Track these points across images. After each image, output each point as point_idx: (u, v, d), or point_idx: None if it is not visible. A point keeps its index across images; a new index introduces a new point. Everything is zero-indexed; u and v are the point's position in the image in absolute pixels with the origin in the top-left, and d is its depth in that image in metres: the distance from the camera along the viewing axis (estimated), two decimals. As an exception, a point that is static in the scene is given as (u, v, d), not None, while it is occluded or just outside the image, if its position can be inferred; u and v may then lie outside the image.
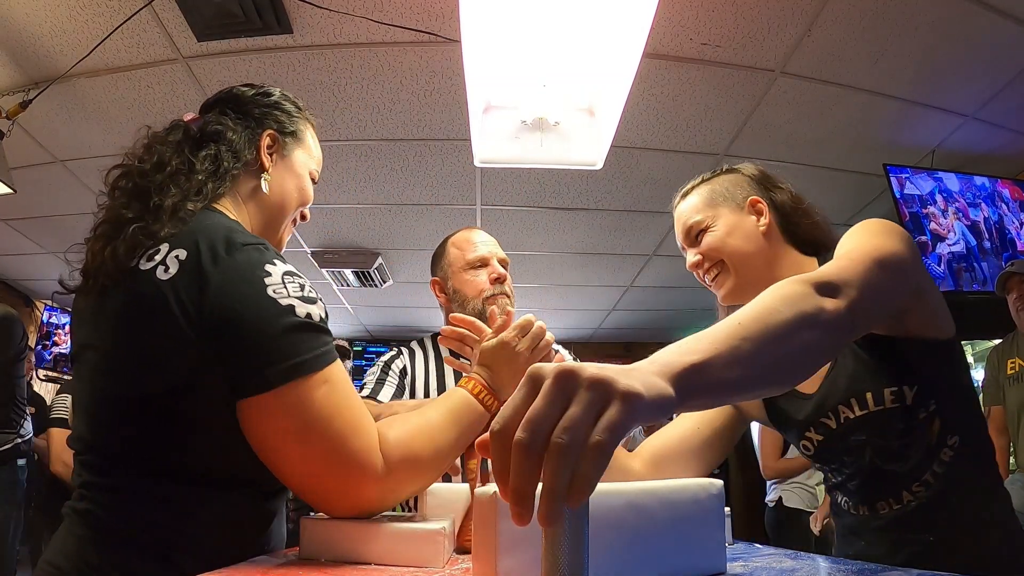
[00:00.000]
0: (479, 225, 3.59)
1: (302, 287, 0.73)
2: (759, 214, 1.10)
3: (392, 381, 1.52)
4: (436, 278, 1.58)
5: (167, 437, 0.72)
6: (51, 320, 4.96)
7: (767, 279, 0.95)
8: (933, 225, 2.91)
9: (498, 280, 1.49)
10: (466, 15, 1.26)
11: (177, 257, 0.71)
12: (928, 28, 2.11)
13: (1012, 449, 2.33)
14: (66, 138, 2.75)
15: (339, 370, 0.72)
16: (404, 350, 1.60)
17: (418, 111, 2.57)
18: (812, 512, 3.24)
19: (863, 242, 0.86)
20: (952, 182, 2.98)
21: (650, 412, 0.44)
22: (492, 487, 0.63)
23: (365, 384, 1.55)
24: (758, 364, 0.59)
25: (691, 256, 1.13)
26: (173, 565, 0.70)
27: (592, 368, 0.43)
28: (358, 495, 0.73)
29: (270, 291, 0.70)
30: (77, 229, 3.25)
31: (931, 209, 2.92)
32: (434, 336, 1.62)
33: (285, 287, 0.71)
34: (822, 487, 3.20)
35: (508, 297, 1.51)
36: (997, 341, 2.57)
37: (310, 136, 1.00)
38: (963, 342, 3.22)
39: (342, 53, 2.23)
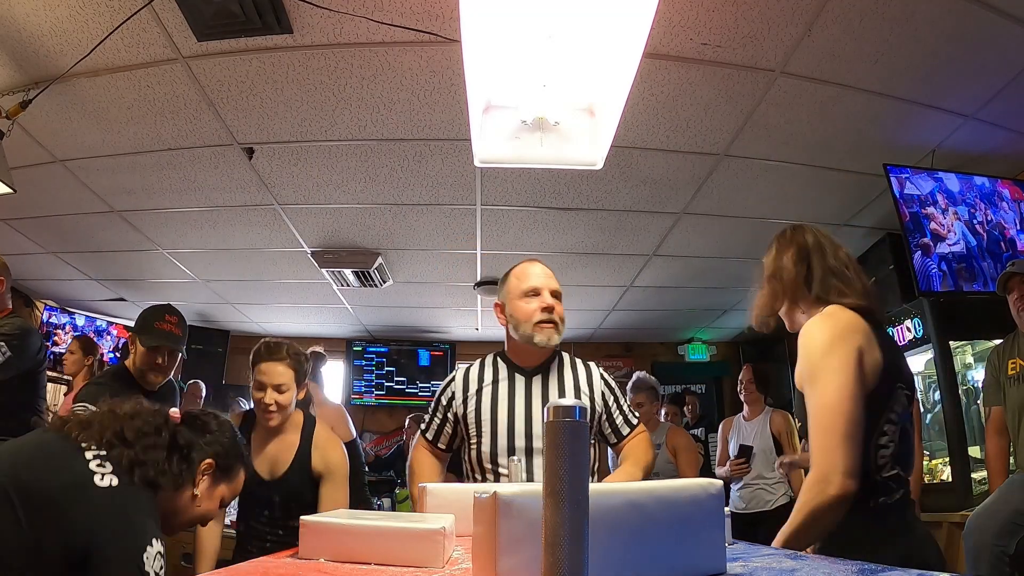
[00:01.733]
0: (479, 225, 3.60)
1: (161, 568, 1.05)
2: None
3: (437, 417, 1.81)
4: (498, 302, 1.80)
5: None
6: (51, 320, 4.96)
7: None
8: (933, 225, 2.91)
9: (546, 309, 1.68)
10: (466, 15, 1.25)
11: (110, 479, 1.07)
12: (928, 28, 2.11)
13: (1012, 449, 2.33)
14: (66, 138, 2.75)
15: None
16: (459, 374, 1.81)
17: (418, 111, 2.56)
18: (741, 513, 3.33)
19: (815, 399, 1.22)
20: (952, 182, 2.97)
21: None
22: (492, 487, 0.63)
23: (427, 411, 1.86)
24: None
25: None
26: None
27: None
28: None
29: (145, 557, 1.02)
30: (77, 229, 3.28)
31: (931, 209, 2.92)
32: (495, 355, 1.82)
33: (154, 561, 1.03)
34: (745, 490, 3.42)
35: (556, 326, 1.69)
36: (997, 341, 2.56)
37: (240, 474, 1.36)
38: (963, 342, 3.24)
39: (342, 53, 2.23)
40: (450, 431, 1.79)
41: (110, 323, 5.42)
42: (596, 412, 1.77)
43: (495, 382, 1.75)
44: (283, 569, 0.79)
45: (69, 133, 2.70)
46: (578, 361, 1.84)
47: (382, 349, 6.24)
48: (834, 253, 1.40)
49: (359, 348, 6.22)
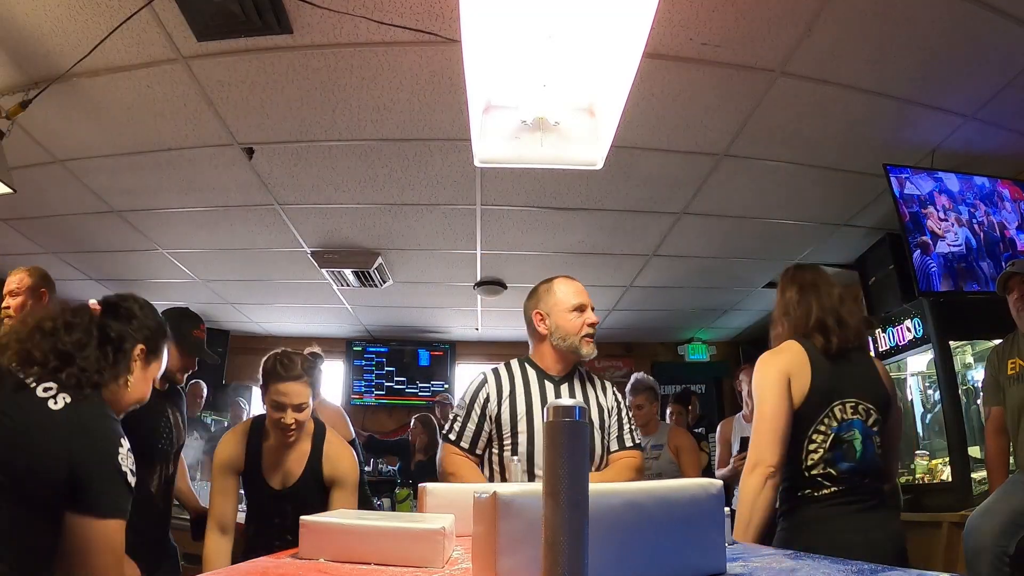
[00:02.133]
0: (479, 225, 3.60)
1: (134, 463, 1.16)
2: None
3: (472, 423, 1.84)
4: (540, 312, 1.90)
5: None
6: (51, 320, 4.95)
7: None
8: (933, 225, 2.91)
9: (592, 325, 1.88)
10: (466, 15, 1.25)
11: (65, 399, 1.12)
12: (928, 28, 2.11)
13: (1012, 449, 2.32)
14: (66, 138, 2.74)
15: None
16: (490, 376, 1.88)
17: (418, 111, 2.56)
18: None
19: (756, 413, 1.64)
20: (952, 182, 2.97)
21: None
22: (492, 487, 0.63)
23: (454, 419, 1.88)
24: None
25: None
26: None
27: None
28: None
29: (120, 457, 1.12)
30: (77, 229, 3.29)
31: (931, 209, 2.92)
32: (520, 360, 1.93)
33: (126, 458, 1.14)
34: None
35: (593, 339, 1.89)
36: (997, 341, 2.56)
37: (166, 350, 1.42)
38: (963, 342, 3.24)
39: (342, 53, 2.23)
40: (486, 435, 1.84)
41: (110, 323, 5.42)
42: (610, 420, 1.92)
43: (527, 385, 1.86)
44: (283, 569, 0.80)
45: (69, 133, 2.70)
46: (594, 375, 2.00)
47: (382, 349, 6.23)
48: (828, 292, 1.72)
49: (359, 348, 6.22)
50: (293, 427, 1.83)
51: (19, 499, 1.03)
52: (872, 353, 2.03)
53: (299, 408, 1.83)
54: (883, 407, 1.68)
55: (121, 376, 1.27)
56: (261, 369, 1.90)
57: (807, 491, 1.60)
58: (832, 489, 1.58)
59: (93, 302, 1.32)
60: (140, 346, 1.32)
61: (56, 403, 1.10)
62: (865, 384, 1.67)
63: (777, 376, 1.63)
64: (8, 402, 1.09)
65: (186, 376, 2.24)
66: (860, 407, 1.63)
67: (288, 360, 1.87)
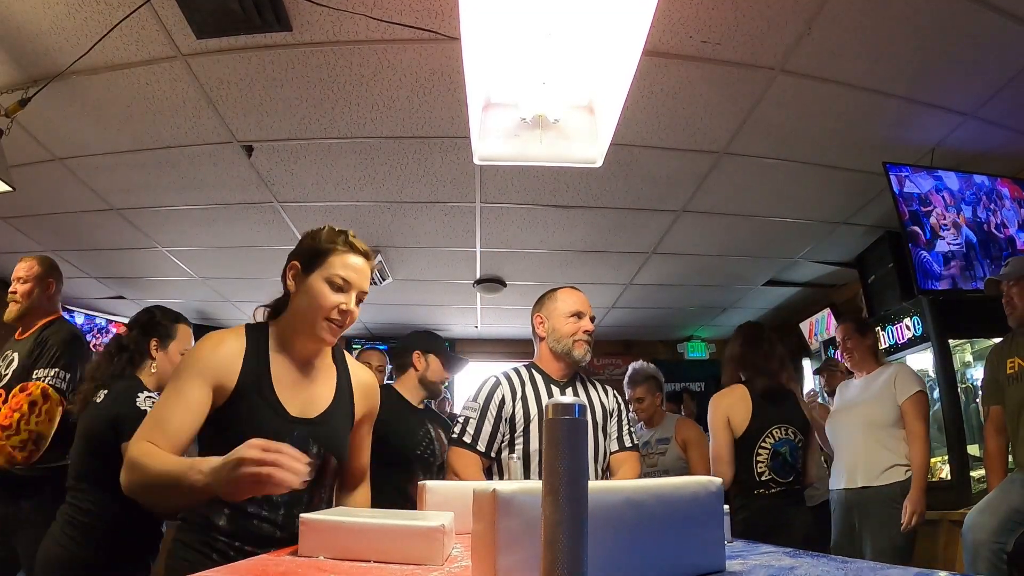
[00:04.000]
0: (478, 223, 3.61)
1: (153, 402, 1.67)
2: None
3: (487, 424, 1.87)
4: (540, 315, 2.01)
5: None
6: (50, 318, 4.95)
7: None
8: (932, 223, 2.91)
9: (587, 331, 1.95)
10: (465, 12, 1.25)
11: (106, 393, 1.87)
12: (928, 27, 2.11)
13: (1010, 448, 2.33)
14: (65, 136, 2.74)
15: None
16: (503, 379, 1.94)
17: (417, 108, 2.56)
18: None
19: (711, 444, 2.48)
20: (952, 180, 2.97)
21: None
22: (492, 485, 0.63)
23: (466, 421, 1.89)
24: None
25: None
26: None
27: None
28: None
29: (138, 402, 1.80)
30: (76, 227, 3.31)
31: (930, 207, 2.92)
32: (527, 366, 2.01)
33: (144, 400, 1.79)
34: None
35: (590, 345, 1.95)
36: (997, 340, 2.57)
37: (180, 332, 2.01)
38: (962, 340, 3.24)
39: (341, 51, 2.22)
40: (501, 436, 1.89)
41: (109, 321, 5.42)
42: (611, 422, 2.00)
43: (535, 387, 1.94)
44: (282, 567, 0.80)
45: (68, 131, 2.70)
46: (596, 380, 2.09)
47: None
48: (770, 348, 2.47)
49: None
50: (349, 320, 1.34)
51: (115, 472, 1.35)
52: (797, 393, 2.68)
53: (361, 297, 1.36)
54: (803, 430, 2.41)
55: (146, 363, 1.92)
56: (312, 239, 1.40)
57: (760, 490, 2.32)
58: (778, 489, 2.32)
59: (121, 328, 1.85)
60: (153, 340, 1.92)
61: (99, 398, 1.83)
62: (791, 414, 2.40)
63: (721, 415, 2.38)
64: (91, 415, 1.82)
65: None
66: (789, 430, 2.36)
67: (354, 236, 1.40)
